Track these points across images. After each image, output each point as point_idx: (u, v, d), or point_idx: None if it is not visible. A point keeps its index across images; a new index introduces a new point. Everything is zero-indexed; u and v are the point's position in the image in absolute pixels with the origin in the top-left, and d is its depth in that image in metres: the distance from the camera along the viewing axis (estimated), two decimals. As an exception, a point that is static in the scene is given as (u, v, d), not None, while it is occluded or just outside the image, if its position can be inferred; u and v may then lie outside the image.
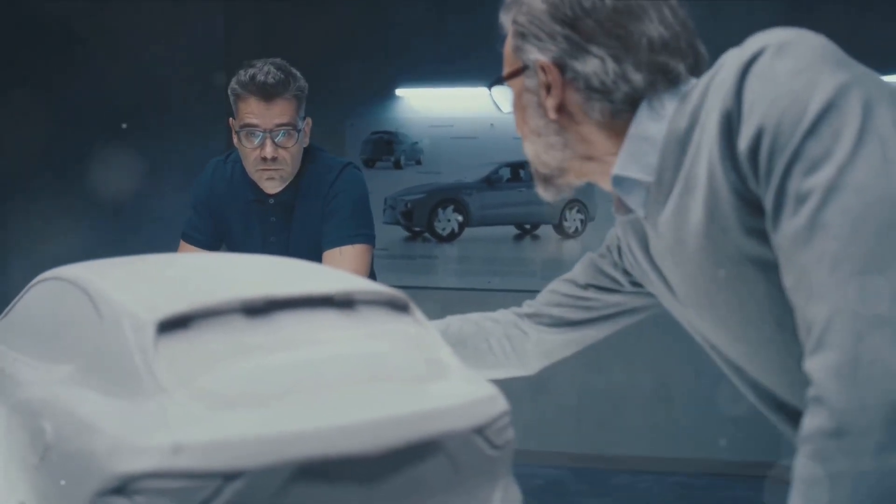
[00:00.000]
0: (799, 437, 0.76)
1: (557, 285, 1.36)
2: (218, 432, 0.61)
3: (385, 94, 4.90)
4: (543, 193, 1.13)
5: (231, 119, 1.98)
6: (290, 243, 2.03)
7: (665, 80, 0.98)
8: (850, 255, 0.73)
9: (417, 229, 4.93)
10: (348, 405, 0.68)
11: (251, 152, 1.93)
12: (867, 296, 0.71)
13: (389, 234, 4.90)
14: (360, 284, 0.83)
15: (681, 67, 0.99)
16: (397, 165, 4.92)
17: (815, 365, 0.73)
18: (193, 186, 2.13)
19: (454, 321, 1.41)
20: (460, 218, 4.89)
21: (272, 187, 1.98)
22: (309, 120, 2.02)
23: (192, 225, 2.11)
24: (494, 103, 1.17)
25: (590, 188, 4.21)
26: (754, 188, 0.83)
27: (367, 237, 2.00)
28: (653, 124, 0.97)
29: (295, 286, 0.78)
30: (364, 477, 0.66)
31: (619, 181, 1.01)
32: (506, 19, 1.10)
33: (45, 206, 4.33)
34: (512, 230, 4.87)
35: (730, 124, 0.84)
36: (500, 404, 0.78)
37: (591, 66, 0.98)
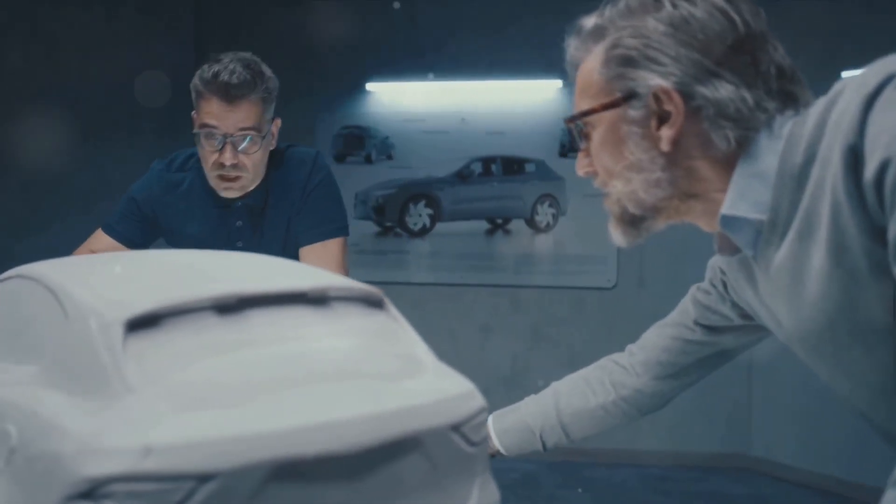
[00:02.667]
0: (889, 480, 0.74)
1: (661, 330, 1.31)
2: (190, 433, 0.60)
3: (355, 89, 4.87)
4: (622, 237, 1.05)
5: (194, 113, 1.83)
6: (260, 247, 1.91)
7: (794, 108, 0.93)
8: None
9: (389, 224, 4.91)
10: (324, 403, 0.66)
11: (210, 154, 1.79)
12: None
13: (361, 229, 4.87)
14: (333, 281, 0.81)
15: (807, 96, 0.94)
16: (368, 160, 4.90)
17: None
18: (133, 188, 1.97)
19: (562, 394, 1.37)
20: (432, 213, 4.88)
21: (229, 195, 1.86)
22: (278, 121, 1.89)
23: (117, 219, 1.95)
24: (573, 139, 1.06)
25: (561, 182, 4.18)
26: (880, 222, 0.78)
27: (345, 229, 1.98)
28: (764, 159, 0.91)
29: (267, 283, 0.76)
30: (341, 476, 0.65)
31: (728, 221, 0.94)
32: (590, 44, 1.01)
33: (12, 205, 4.26)
34: (484, 225, 4.87)
35: (855, 159, 0.78)
36: (477, 401, 0.77)
37: (725, 91, 0.90)
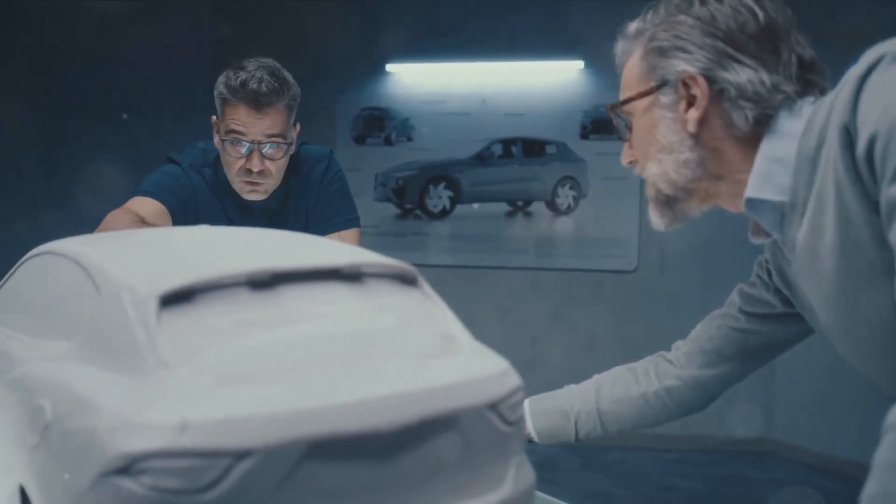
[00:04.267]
0: (884, 426, 0.75)
1: (709, 321, 1.34)
2: (226, 409, 0.59)
3: (376, 70, 4.85)
4: (659, 220, 1.13)
5: (214, 118, 1.84)
6: None
7: (814, 94, 1.00)
8: None
9: (409, 206, 4.90)
10: (360, 381, 0.65)
11: (235, 161, 1.80)
12: None
13: (380, 211, 4.87)
14: (367, 257, 0.80)
15: (827, 85, 1.01)
16: (388, 142, 4.88)
17: None
18: (166, 168, 1.91)
19: (605, 381, 1.39)
20: (452, 195, 4.86)
21: (253, 198, 1.88)
22: (297, 126, 1.91)
23: (158, 184, 1.86)
24: (620, 126, 1.15)
25: (583, 165, 4.15)
26: (875, 194, 0.84)
27: (358, 221, 2.04)
28: (785, 142, 0.98)
29: (301, 259, 0.75)
30: (376, 454, 0.64)
31: (751, 203, 1.03)
32: (633, 45, 1.11)
33: (34, 192, 4.29)
34: (504, 207, 4.85)
35: (849, 137, 0.85)
36: (514, 379, 0.76)
37: (745, 75, 0.99)
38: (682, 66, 1.03)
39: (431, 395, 0.68)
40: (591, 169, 4.69)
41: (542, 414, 1.38)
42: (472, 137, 4.82)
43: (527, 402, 1.39)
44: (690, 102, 1.04)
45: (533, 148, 4.78)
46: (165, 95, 4.15)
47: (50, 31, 4.28)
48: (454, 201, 4.87)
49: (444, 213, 4.88)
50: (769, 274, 1.22)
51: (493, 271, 4.84)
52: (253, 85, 1.74)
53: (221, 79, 1.79)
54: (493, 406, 0.72)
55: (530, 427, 1.38)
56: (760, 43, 1.00)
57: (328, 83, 4.76)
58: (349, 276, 0.76)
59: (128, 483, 0.57)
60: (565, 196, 4.77)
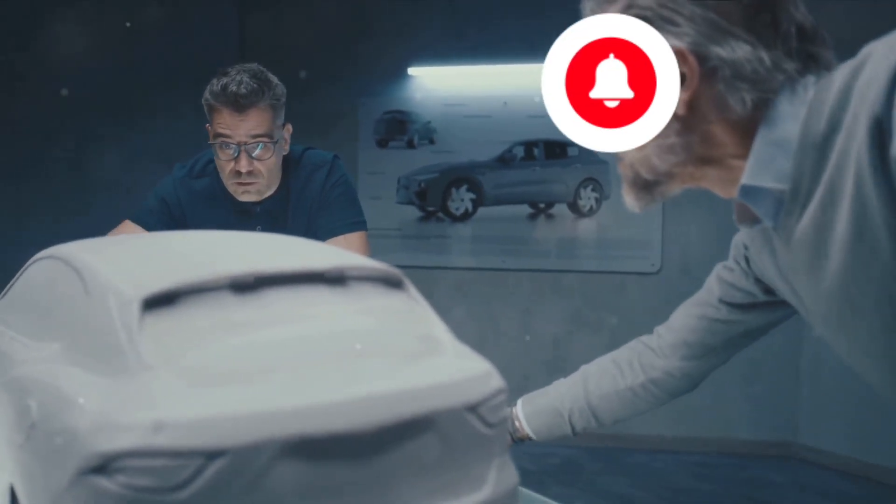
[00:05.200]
0: None
1: (688, 310, 1.29)
2: (200, 410, 0.60)
3: (398, 74, 4.87)
4: (634, 202, 1.03)
5: (207, 126, 1.92)
6: None
7: (816, 69, 0.90)
8: None
9: (431, 209, 4.91)
10: (336, 382, 0.66)
11: (226, 164, 1.88)
12: None
13: (403, 214, 4.89)
14: (352, 260, 0.81)
15: (830, 56, 0.91)
16: (410, 145, 4.90)
17: None
18: (159, 189, 2.03)
19: (591, 375, 1.37)
20: (474, 197, 4.87)
21: (248, 199, 1.93)
22: (289, 126, 1.96)
23: (147, 212, 2.00)
24: None
25: (605, 167, 4.12)
26: None
27: (364, 223, 2.04)
28: (786, 125, 0.88)
29: (284, 262, 0.76)
30: (353, 455, 0.65)
31: (748, 191, 0.92)
32: (606, 8, 0.96)
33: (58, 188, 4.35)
34: (526, 209, 4.85)
35: (881, 132, 0.76)
36: (495, 381, 0.76)
37: (741, 52, 0.88)
38: (669, 40, 0.90)
39: (409, 396, 0.69)
40: (613, 170, 4.67)
41: (535, 415, 1.38)
42: (494, 140, 4.82)
43: (520, 402, 1.39)
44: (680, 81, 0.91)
45: (555, 150, 4.77)
46: (189, 97, 4.19)
47: (78, 32, 4.34)
48: (476, 204, 4.87)
49: (467, 216, 4.89)
50: (748, 262, 1.17)
51: (515, 273, 4.84)
52: (233, 87, 1.81)
53: (208, 87, 1.87)
54: (473, 408, 0.73)
55: (525, 426, 1.38)
56: (757, 12, 0.88)
57: (351, 87, 4.80)
58: (333, 279, 0.77)
59: (104, 482, 0.58)
60: (587, 198, 4.76)
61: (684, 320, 1.29)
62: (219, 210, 1.98)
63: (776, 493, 3.98)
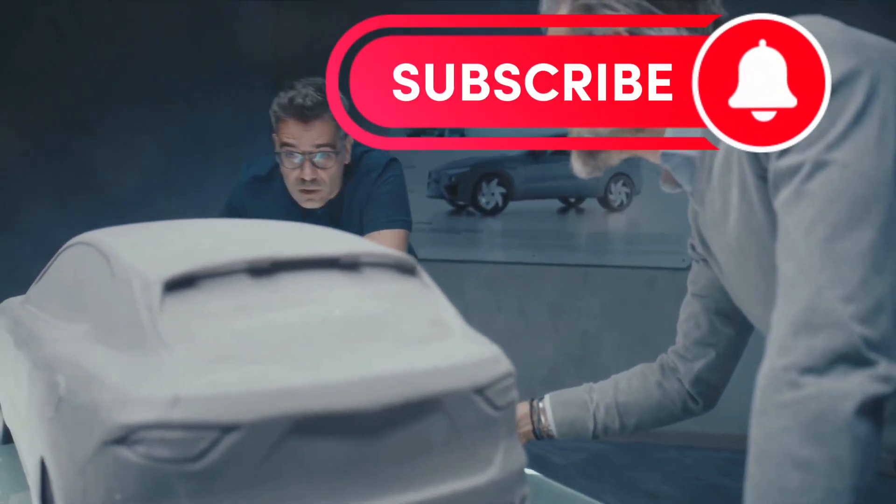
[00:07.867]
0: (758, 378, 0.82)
1: (684, 310, 1.38)
2: (216, 386, 0.63)
3: (429, 68, 4.88)
4: (581, 168, 1.16)
5: (273, 135, 2.01)
6: None
7: None
8: (824, 221, 0.79)
9: (461, 203, 4.93)
10: (347, 362, 0.69)
11: (291, 172, 1.97)
12: (831, 258, 0.78)
13: (433, 207, 4.91)
14: (366, 247, 0.84)
15: None
16: (441, 135, 4.92)
17: (778, 314, 0.81)
18: (231, 198, 2.15)
19: (622, 376, 1.42)
20: (504, 191, 4.88)
21: (311, 206, 2.02)
22: (350, 137, 2.02)
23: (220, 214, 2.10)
24: None
25: (636, 161, 4.10)
26: (766, 163, 0.88)
27: (406, 223, 2.08)
28: None
29: (301, 248, 0.79)
30: (361, 433, 0.68)
31: (667, 157, 1.07)
32: (560, 3, 1.11)
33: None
34: (556, 203, 4.84)
35: None
36: (503, 365, 0.79)
37: (668, 33, 1.01)
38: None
39: (417, 377, 0.71)
40: (644, 165, 4.65)
41: (561, 405, 1.40)
42: (525, 134, 4.82)
43: (547, 397, 1.42)
44: None
45: (586, 144, 4.76)
46: (223, 95, 4.27)
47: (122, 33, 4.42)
48: (507, 198, 4.88)
49: (497, 210, 4.90)
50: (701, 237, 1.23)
51: (544, 268, 4.84)
52: (299, 100, 1.91)
53: (275, 99, 1.97)
54: (481, 390, 0.75)
55: (550, 421, 1.40)
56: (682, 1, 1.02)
57: (383, 81, 4.82)
58: (347, 264, 0.80)
59: (125, 452, 0.62)
60: (618, 193, 4.75)
61: (684, 326, 1.37)
62: (282, 213, 2.02)
63: (805, 491, 3.95)
